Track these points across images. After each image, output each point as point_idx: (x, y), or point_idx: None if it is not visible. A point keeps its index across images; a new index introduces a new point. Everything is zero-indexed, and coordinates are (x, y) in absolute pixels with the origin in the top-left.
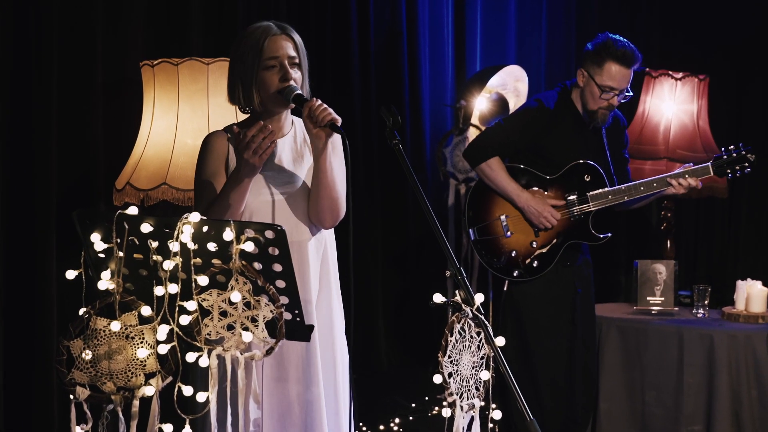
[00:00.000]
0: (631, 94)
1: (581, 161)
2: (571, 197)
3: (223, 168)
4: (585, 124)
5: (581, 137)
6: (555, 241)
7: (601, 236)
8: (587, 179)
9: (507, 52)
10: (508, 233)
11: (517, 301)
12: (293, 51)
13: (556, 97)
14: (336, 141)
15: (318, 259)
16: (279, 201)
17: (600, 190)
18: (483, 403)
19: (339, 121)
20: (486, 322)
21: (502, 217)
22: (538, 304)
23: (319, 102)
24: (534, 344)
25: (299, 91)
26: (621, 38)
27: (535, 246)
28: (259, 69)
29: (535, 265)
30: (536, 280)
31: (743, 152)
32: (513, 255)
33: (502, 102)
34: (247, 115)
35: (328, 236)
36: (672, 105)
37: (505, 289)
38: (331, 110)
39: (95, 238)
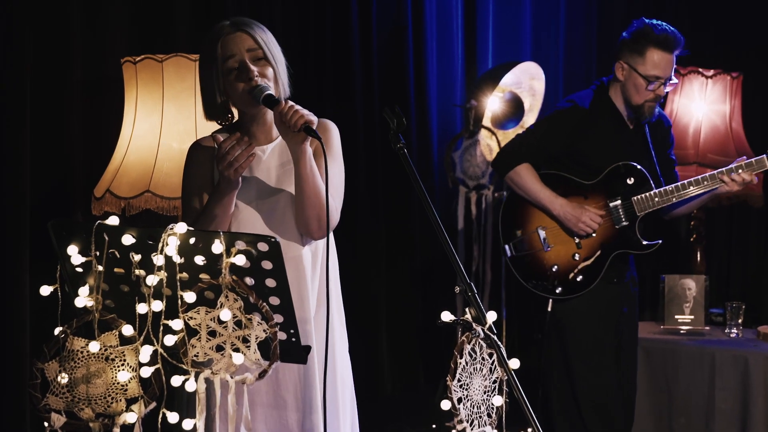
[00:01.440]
0: (676, 81)
1: (622, 163)
2: (614, 203)
3: (209, 179)
4: (625, 123)
5: (622, 137)
6: (599, 252)
7: (650, 244)
8: (630, 182)
9: (522, 48)
10: (548, 247)
11: (560, 320)
12: (253, 44)
13: (592, 95)
14: (332, 139)
15: (315, 273)
16: (267, 210)
17: (646, 194)
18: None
19: (314, 123)
20: (499, 343)
21: (540, 230)
22: (583, 324)
23: (290, 104)
24: (578, 367)
25: (269, 91)
26: (660, 22)
27: (577, 259)
28: (220, 75)
29: (579, 280)
30: (580, 298)
31: None
32: (554, 270)
33: (516, 102)
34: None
35: (329, 248)
36: (702, 105)
37: (549, 309)
38: (304, 112)
39: (72, 250)
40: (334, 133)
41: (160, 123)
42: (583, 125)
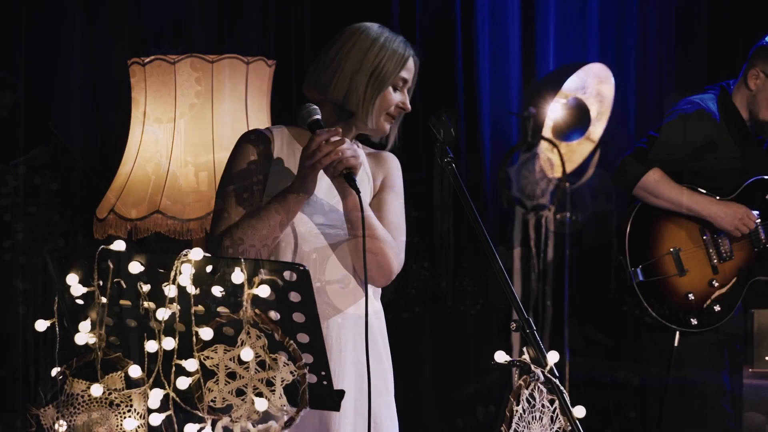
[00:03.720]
0: None
1: (765, 177)
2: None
3: (260, 176)
4: (750, 135)
5: (749, 150)
6: (736, 279)
7: None
8: None
9: (588, 47)
10: (683, 271)
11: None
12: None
13: (716, 101)
14: (393, 176)
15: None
16: (335, 241)
17: None
18: None
19: (358, 168)
20: (562, 388)
21: (674, 251)
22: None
23: (336, 138)
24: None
25: (318, 117)
26: None
27: (715, 285)
28: (390, 80)
29: (716, 309)
30: (707, 334)
31: None
32: (690, 298)
33: (581, 109)
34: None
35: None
36: None
37: (675, 344)
38: (347, 153)
39: (72, 280)
40: (394, 169)
41: (172, 134)
42: (713, 133)
